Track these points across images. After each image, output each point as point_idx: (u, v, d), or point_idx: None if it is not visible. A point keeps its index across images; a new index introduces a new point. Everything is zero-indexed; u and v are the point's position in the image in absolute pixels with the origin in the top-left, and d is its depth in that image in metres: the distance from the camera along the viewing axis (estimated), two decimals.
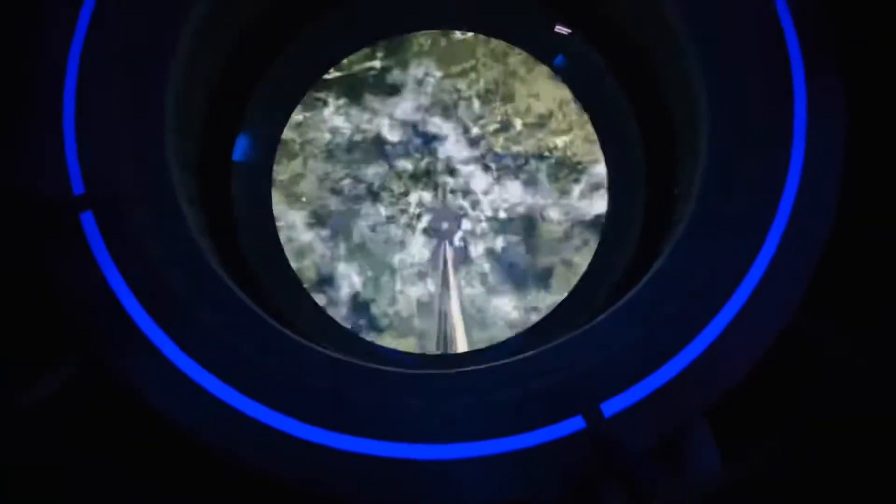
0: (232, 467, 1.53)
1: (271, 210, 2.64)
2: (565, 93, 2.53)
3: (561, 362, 1.64)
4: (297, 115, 2.46)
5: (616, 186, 2.93)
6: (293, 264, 2.61)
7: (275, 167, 2.44)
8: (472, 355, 2.87)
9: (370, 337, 2.66)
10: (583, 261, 2.45)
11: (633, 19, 2.36)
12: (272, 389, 1.59)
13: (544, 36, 2.88)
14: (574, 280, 2.49)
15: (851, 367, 1.64)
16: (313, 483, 1.53)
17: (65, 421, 1.61)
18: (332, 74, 2.43)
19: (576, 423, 1.55)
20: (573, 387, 1.61)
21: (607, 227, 2.93)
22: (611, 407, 1.57)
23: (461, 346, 2.33)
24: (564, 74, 3.08)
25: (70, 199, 1.68)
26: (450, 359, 3.03)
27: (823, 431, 1.61)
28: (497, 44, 2.62)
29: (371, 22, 2.97)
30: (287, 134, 2.40)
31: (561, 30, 2.76)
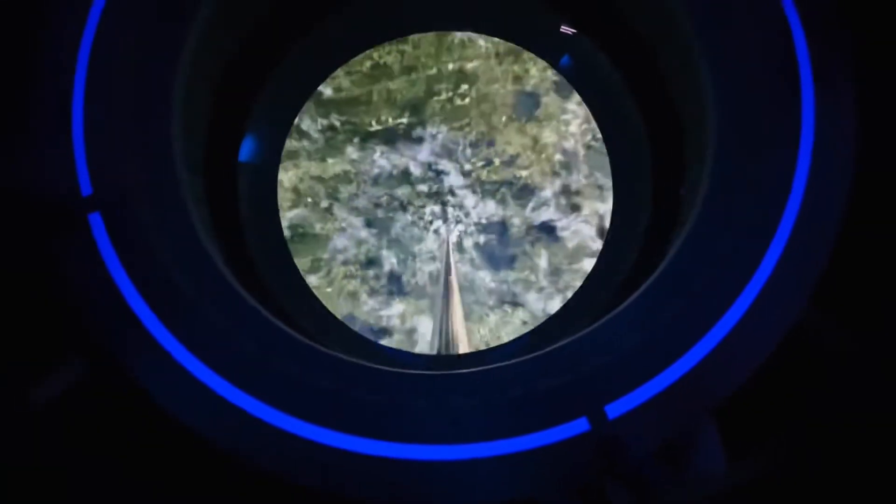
0: (235, 466, 1.53)
1: (277, 210, 2.97)
2: (528, 140, 3.65)
3: (565, 364, 1.61)
4: (353, 154, 3.72)
5: (621, 187, 2.96)
6: (353, 251, 3.71)
7: (341, 189, 3.69)
8: (476, 356, 2.96)
9: (396, 300, 3.74)
10: (533, 251, 3.84)
11: (639, 18, 2.35)
12: (276, 389, 1.55)
13: (550, 37, 2.89)
14: (530, 263, 3.73)
15: (854, 367, 1.61)
16: (316, 483, 1.51)
17: (65, 421, 1.57)
18: (376, 128, 3.69)
19: (580, 425, 1.53)
20: (578, 388, 1.57)
21: (612, 228, 2.95)
22: (615, 409, 1.55)
23: (462, 346, 3.00)
24: (570, 75, 3.10)
25: (78, 201, 1.69)
26: (453, 360, 3.08)
27: (826, 432, 1.59)
28: (486, 106, 3.75)
29: (376, 23, 2.99)
30: (346, 167, 3.65)
31: (566, 30, 2.77)
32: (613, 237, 2.94)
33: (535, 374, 1.61)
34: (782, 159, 1.66)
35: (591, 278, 3.02)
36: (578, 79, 3.06)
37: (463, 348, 2.94)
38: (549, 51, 3.08)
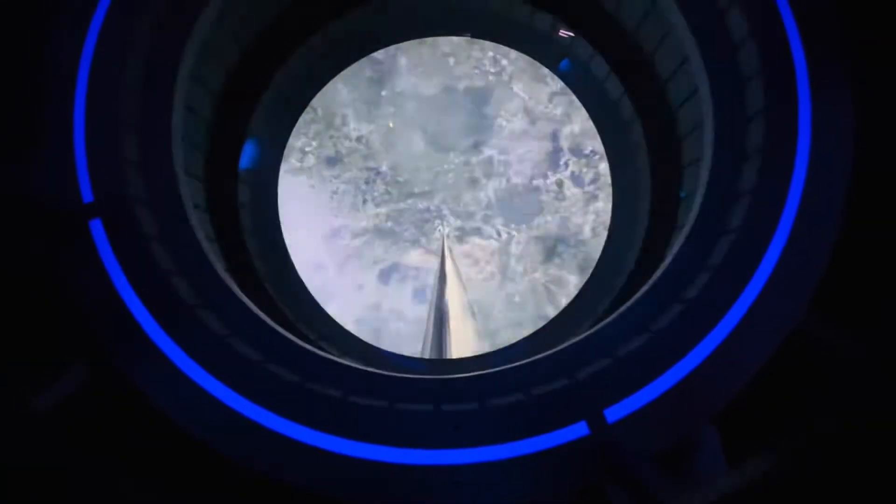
0: (234, 469, 1.54)
1: (278, 217, 3.01)
2: (477, 198, 9.20)
3: (565, 367, 1.61)
4: (408, 201, 9.24)
5: (620, 191, 2.96)
6: (410, 237, 9.12)
7: (404, 214, 9.17)
8: (476, 360, 2.97)
9: (426, 251, 8.73)
10: (474, 239, 9.40)
11: (636, 24, 2.36)
12: (278, 395, 1.55)
13: (549, 41, 2.90)
14: (476, 244, 9.25)
15: (854, 369, 1.60)
16: (317, 488, 1.52)
17: (65, 422, 1.61)
18: (416, 192, 9.25)
19: (579, 429, 1.53)
20: (577, 392, 1.58)
21: (611, 231, 2.95)
22: (615, 413, 1.54)
23: (455, 350, 3.19)
24: (570, 78, 3.11)
25: (80, 207, 1.70)
26: (453, 364, 3.08)
27: (827, 433, 1.57)
28: (455, 190, 9.01)
29: (377, 30, 3.02)
30: (405, 207, 9.06)
31: (565, 33, 2.78)
32: (612, 240, 2.94)
33: (535, 378, 1.62)
34: (780, 161, 1.66)
35: (590, 282, 3.02)
36: (577, 81, 3.07)
37: (454, 352, 3.10)
38: (548, 55, 3.09)
